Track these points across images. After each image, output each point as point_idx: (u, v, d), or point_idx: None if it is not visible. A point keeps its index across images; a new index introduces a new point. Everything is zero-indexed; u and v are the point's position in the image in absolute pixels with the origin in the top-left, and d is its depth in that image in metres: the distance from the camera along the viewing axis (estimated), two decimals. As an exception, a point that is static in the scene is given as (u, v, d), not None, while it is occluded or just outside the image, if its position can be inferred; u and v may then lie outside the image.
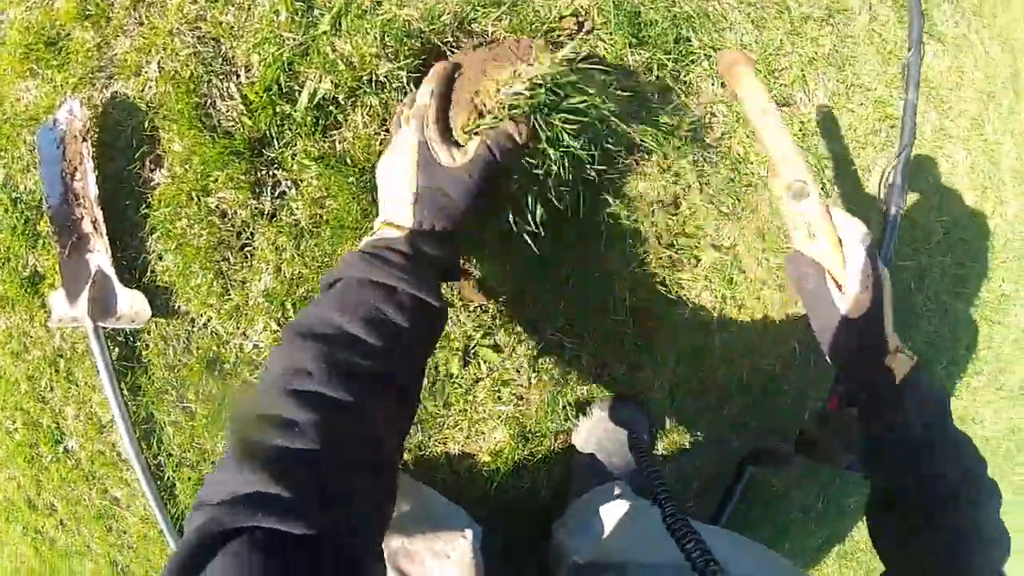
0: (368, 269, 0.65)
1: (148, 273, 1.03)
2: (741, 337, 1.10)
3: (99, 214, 0.99)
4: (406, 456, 1.06)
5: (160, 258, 1.02)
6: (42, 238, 1.07)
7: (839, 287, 0.69)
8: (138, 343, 1.06)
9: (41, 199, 1.05)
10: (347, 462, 0.53)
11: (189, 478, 1.11)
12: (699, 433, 1.14)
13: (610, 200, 0.99)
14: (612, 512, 0.94)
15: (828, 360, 0.76)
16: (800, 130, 1.11)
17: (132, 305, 1.01)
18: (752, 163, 1.06)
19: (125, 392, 1.06)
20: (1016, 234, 1.48)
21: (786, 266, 0.74)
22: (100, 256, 1.02)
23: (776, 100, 1.07)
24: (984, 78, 1.37)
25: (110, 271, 1.01)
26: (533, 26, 0.96)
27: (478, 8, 0.95)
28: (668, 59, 0.99)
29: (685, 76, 1.01)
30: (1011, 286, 1.50)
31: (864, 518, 0.80)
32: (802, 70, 1.09)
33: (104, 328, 1.03)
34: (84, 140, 0.98)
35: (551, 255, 0.97)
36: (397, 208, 0.72)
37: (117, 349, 1.06)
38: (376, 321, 0.61)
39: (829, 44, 1.11)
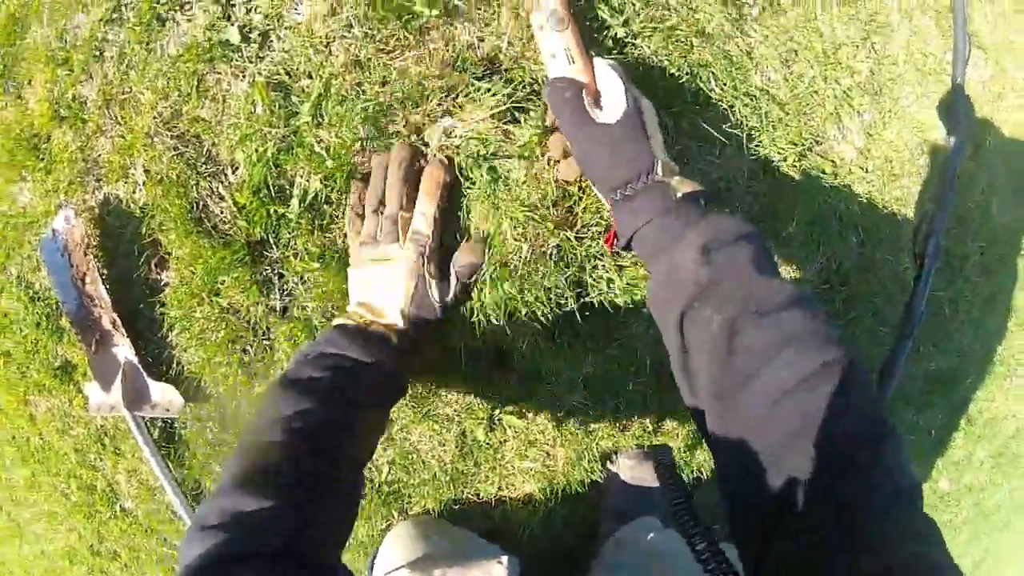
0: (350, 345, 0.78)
1: (175, 364, 1.11)
2: None
3: (115, 315, 1.06)
4: (436, 506, 1.18)
5: (185, 350, 1.10)
6: (66, 332, 1.15)
7: (598, 105, 0.74)
8: (176, 424, 1.17)
9: (57, 301, 1.12)
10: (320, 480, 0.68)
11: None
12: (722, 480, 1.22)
13: (626, 271, 1.00)
14: (646, 546, 1.06)
15: (598, 190, 0.78)
16: (833, 171, 1.07)
17: (164, 395, 1.11)
18: (778, 214, 1.04)
19: (171, 466, 1.18)
20: None
21: (547, 95, 0.77)
22: (126, 349, 1.10)
23: (809, 141, 1.02)
24: None
25: (137, 363, 1.10)
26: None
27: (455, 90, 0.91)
28: (683, 109, 0.95)
29: (698, 125, 0.97)
30: None
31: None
32: (835, 105, 1.02)
33: (141, 417, 1.14)
34: (86, 253, 1.03)
35: (572, 336, 1.02)
36: (387, 312, 0.84)
37: (157, 431, 1.17)
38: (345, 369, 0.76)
39: (866, 70, 1.03)
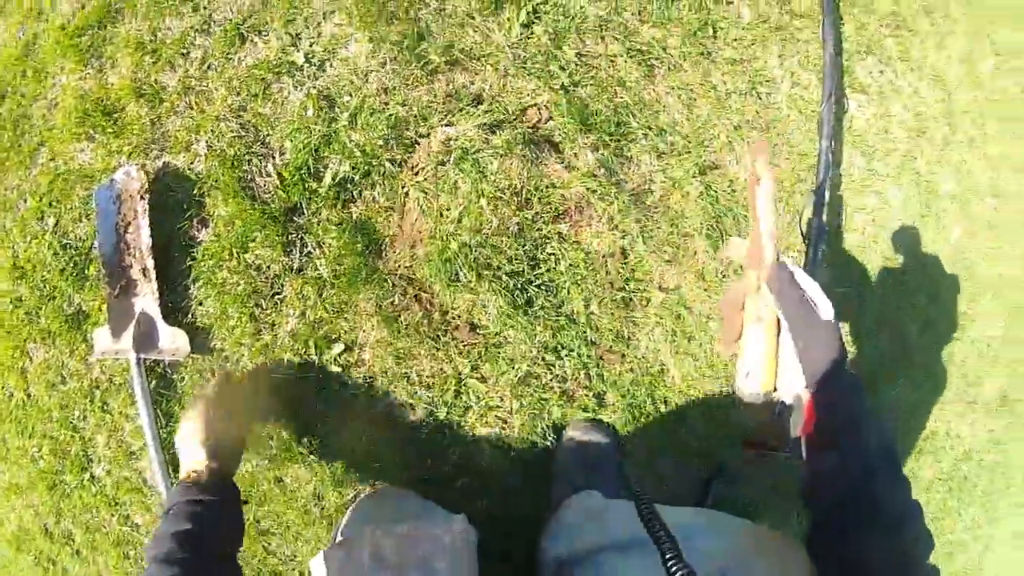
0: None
1: (189, 316, 1.30)
2: (693, 363, 1.44)
3: (150, 263, 1.26)
4: (403, 474, 1.35)
5: (200, 304, 1.30)
6: (89, 281, 1.33)
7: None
8: (175, 375, 1.32)
9: (91, 247, 1.32)
10: None
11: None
12: (661, 453, 1.45)
13: (570, 254, 1.33)
14: (586, 513, 1.24)
15: (808, 381, 0.82)
16: (729, 187, 1.46)
17: (174, 341, 1.28)
18: (688, 218, 1.41)
19: (160, 418, 1.31)
20: (962, 254, 1.75)
21: (773, 279, 0.84)
22: (146, 299, 1.28)
23: (706, 165, 1.42)
24: (914, 117, 1.65)
25: (154, 311, 1.28)
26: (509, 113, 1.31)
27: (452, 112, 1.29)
28: (611, 139, 1.36)
29: (625, 152, 1.37)
30: (965, 304, 1.78)
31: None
32: (729, 137, 1.45)
33: (146, 359, 1.29)
34: (142, 198, 1.25)
35: (526, 302, 1.31)
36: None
37: (155, 381, 1.31)
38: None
39: (752, 112, 1.47)
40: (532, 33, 1.36)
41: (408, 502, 1.31)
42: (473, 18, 1.34)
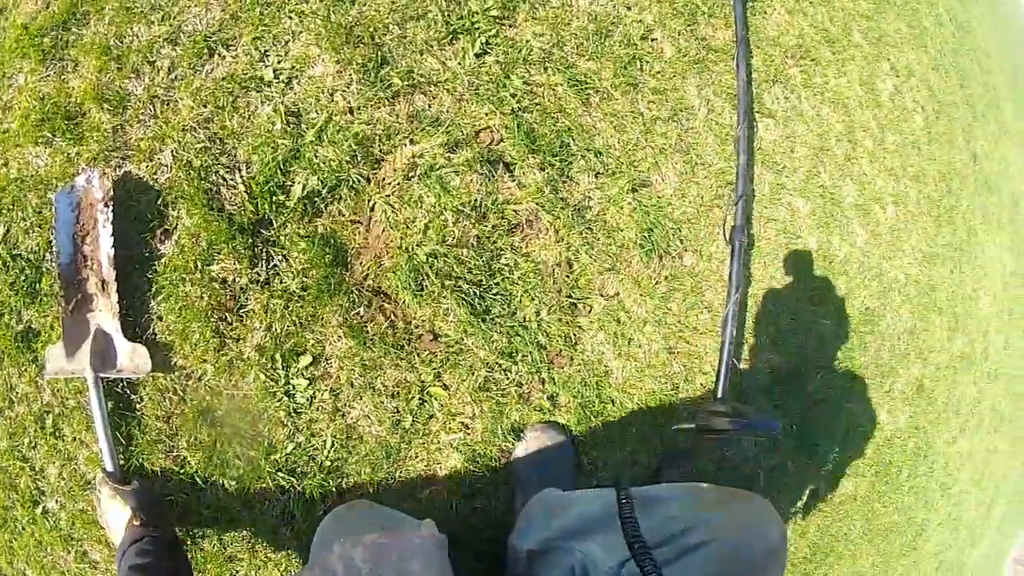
0: None
1: (149, 332, 1.32)
2: (633, 362, 1.59)
3: (110, 275, 1.28)
4: (372, 481, 1.41)
5: (160, 319, 1.33)
6: (40, 296, 1.32)
7: None
8: (134, 396, 1.33)
9: (43, 259, 1.32)
10: None
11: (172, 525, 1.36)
12: (610, 447, 1.59)
13: (522, 265, 1.47)
14: (549, 508, 1.34)
15: None
16: (656, 202, 1.64)
17: (134, 357, 1.29)
18: (623, 230, 1.58)
19: (121, 442, 1.31)
20: (869, 257, 2.02)
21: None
22: (102, 315, 1.29)
23: (636, 183, 1.61)
24: (817, 137, 1.93)
25: (111, 328, 1.29)
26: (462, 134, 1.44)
27: (415, 131, 1.42)
28: (555, 159, 1.52)
29: (567, 171, 1.54)
30: (874, 301, 2.06)
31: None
32: (655, 159, 1.65)
33: (104, 378, 1.29)
34: (106, 206, 1.27)
35: (484, 310, 1.43)
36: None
37: (111, 403, 1.31)
38: None
39: (675, 136, 1.68)
40: (484, 62, 1.51)
41: (375, 512, 1.36)
42: (431, 46, 1.47)
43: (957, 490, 2.60)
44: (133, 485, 1.24)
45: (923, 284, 2.22)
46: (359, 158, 1.38)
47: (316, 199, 1.37)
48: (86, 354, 1.27)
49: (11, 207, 1.34)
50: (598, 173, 1.57)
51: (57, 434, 1.35)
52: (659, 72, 1.66)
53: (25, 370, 1.34)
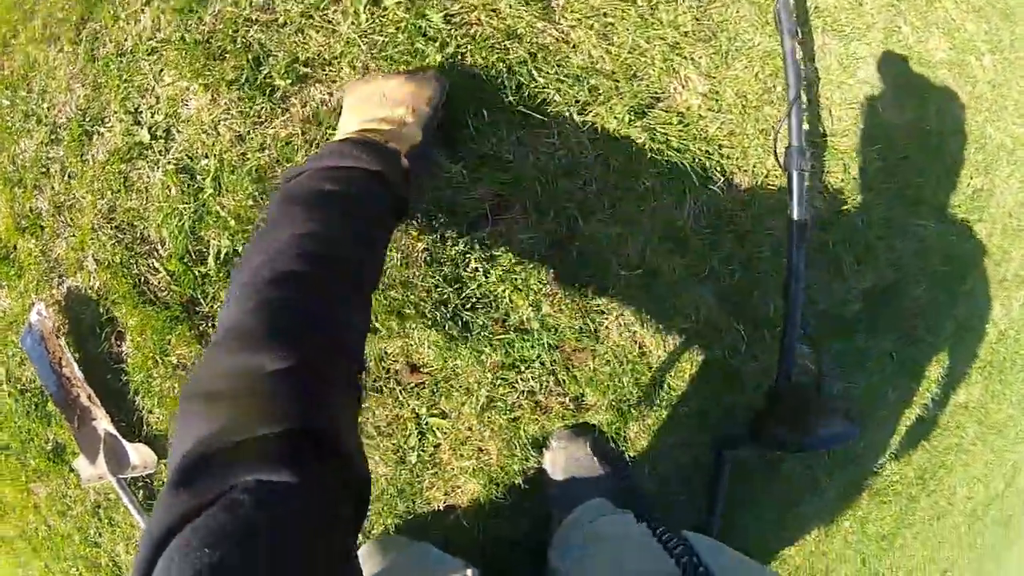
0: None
1: (145, 426, 1.34)
2: (675, 332, 1.30)
3: (90, 390, 1.31)
4: (396, 522, 1.34)
5: (151, 412, 1.34)
6: (53, 417, 1.41)
7: None
8: (154, 484, 1.39)
9: (41, 387, 1.38)
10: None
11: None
12: (659, 437, 1.35)
13: (500, 260, 1.21)
14: (589, 529, 1.19)
15: None
16: (680, 121, 1.25)
17: (141, 457, 1.34)
18: (637, 173, 1.21)
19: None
20: (970, 124, 1.53)
21: None
22: (104, 422, 1.34)
23: (643, 103, 1.21)
24: None
25: (115, 432, 1.33)
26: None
27: (316, 138, 1.17)
28: (517, 104, 1.17)
29: (541, 116, 1.19)
30: (981, 178, 1.57)
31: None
32: (666, 58, 1.22)
33: (124, 479, 1.36)
34: (58, 337, 1.29)
35: (463, 328, 1.22)
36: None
37: (142, 492, 1.39)
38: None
39: (690, 19, 1.23)
40: (384, 10, 1.19)
41: (404, 551, 1.31)
42: (311, 17, 1.19)
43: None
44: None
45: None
46: (261, 197, 1.21)
47: (235, 259, 1.23)
48: (102, 461, 1.35)
49: (2, 348, 1.41)
50: (584, 104, 1.19)
51: (112, 523, 1.47)
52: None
53: (67, 479, 1.45)
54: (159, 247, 1.26)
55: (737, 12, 1.26)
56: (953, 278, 1.61)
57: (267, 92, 1.18)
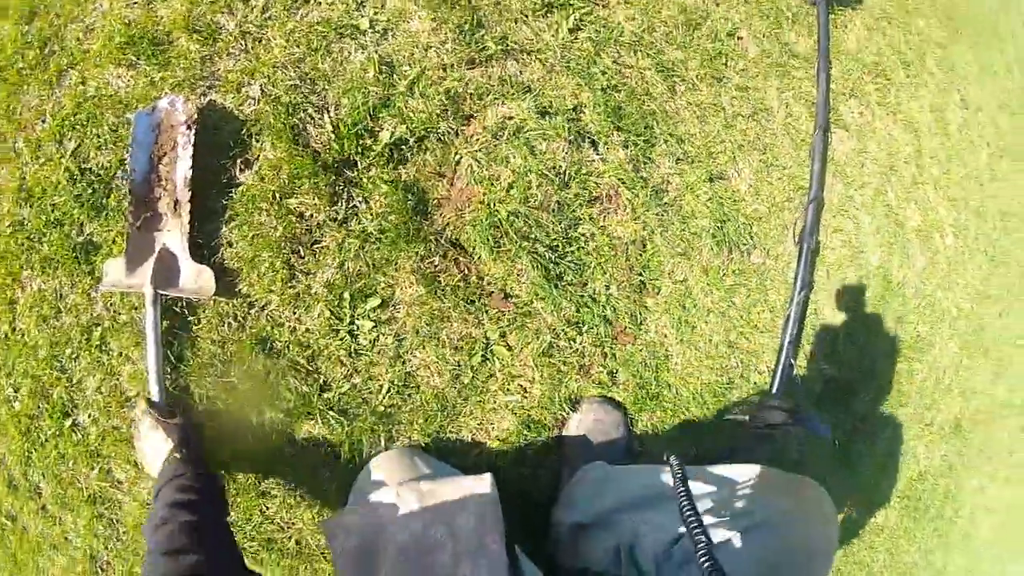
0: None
1: (216, 257, 1.33)
2: (694, 351, 1.61)
3: (184, 196, 1.29)
4: (423, 439, 1.40)
5: (230, 244, 1.33)
6: (106, 211, 1.33)
7: None
8: (191, 317, 1.33)
9: (113, 176, 1.33)
10: None
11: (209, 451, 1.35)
12: (661, 433, 1.58)
13: (598, 237, 1.50)
14: (598, 481, 1.34)
15: None
16: (731, 196, 1.70)
17: (198, 279, 1.29)
18: (697, 218, 1.62)
19: (171, 360, 1.31)
20: (925, 284, 2.11)
21: None
22: (170, 235, 1.30)
23: (714, 174, 1.66)
24: (887, 156, 2.02)
25: (178, 248, 1.29)
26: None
27: (505, 95, 1.46)
28: (639, 139, 1.57)
29: (648, 153, 1.58)
30: (926, 328, 2.13)
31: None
32: (733, 154, 1.71)
33: (164, 295, 1.28)
34: (189, 128, 1.29)
35: (557, 276, 1.45)
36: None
37: (167, 321, 1.31)
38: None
39: (753, 134, 1.75)
40: (577, 38, 1.57)
41: (427, 461, 1.35)
42: (526, 16, 1.53)
43: (978, 542, 2.62)
44: (177, 420, 1.23)
45: (973, 322, 2.30)
46: (449, 113, 1.42)
47: (403, 147, 1.40)
48: (147, 271, 1.28)
49: (85, 123, 1.35)
50: (678, 159, 1.62)
51: (103, 348, 1.34)
52: (743, 70, 1.74)
53: (79, 281, 1.33)
54: (332, 109, 1.38)
55: (781, 142, 1.81)
56: (892, 402, 2.05)
57: (479, 47, 1.48)
